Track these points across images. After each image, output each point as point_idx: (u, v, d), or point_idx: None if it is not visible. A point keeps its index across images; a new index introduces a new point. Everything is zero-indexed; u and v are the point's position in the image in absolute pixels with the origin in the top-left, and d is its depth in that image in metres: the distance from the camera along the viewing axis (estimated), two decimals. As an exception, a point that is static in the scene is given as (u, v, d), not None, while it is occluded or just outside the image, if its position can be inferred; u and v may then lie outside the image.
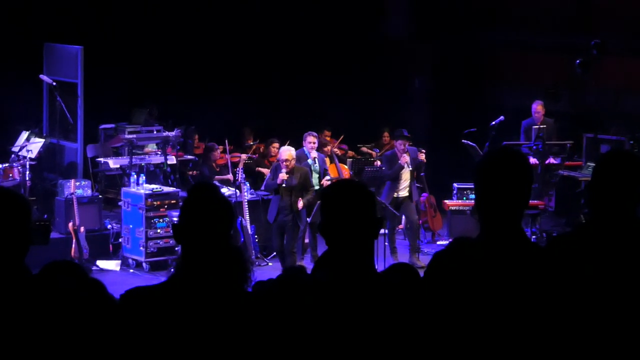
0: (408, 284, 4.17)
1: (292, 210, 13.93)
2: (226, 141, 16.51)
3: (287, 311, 3.95)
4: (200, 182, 4.38)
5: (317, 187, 14.85)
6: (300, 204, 13.91)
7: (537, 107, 16.54)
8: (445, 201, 16.76)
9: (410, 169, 14.99)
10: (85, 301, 4.05)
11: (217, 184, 16.32)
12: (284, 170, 13.70)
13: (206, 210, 4.01)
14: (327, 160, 15.88)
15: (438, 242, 16.56)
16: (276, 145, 17.33)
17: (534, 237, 15.36)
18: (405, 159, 14.85)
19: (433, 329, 4.00)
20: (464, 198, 16.61)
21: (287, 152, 13.83)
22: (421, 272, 4.35)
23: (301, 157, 14.88)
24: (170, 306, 3.90)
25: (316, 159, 14.93)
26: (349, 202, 4.05)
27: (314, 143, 14.99)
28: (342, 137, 18.17)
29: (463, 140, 16.34)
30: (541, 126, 16.38)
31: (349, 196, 4.08)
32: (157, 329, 3.89)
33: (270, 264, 15.23)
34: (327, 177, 14.95)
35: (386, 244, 14.62)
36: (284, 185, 13.81)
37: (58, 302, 3.91)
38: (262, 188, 14.68)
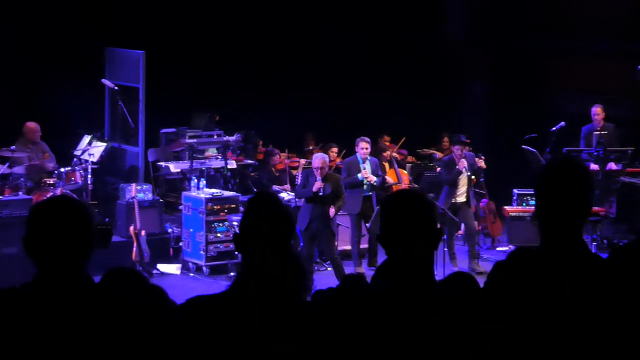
0: (468, 295, 4.15)
1: (325, 218, 13.92)
2: (286, 150, 16.55)
3: (346, 322, 3.93)
4: (261, 191, 4.37)
5: (369, 193, 14.79)
6: (332, 211, 13.91)
7: (597, 110, 16.42)
8: (505, 207, 16.67)
9: (468, 174, 14.95)
10: (145, 311, 4.08)
11: (277, 188, 16.41)
12: (318, 178, 13.65)
13: (266, 221, 4.00)
14: (387, 165, 15.87)
15: (498, 249, 16.52)
16: (335, 150, 17.36)
17: (594, 243, 15.28)
18: (463, 163, 14.81)
19: (493, 342, 3.99)
20: (524, 204, 16.52)
21: (321, 159, 13.79)
22: (480, 278, 4.35)
23: (352, 164, 14.87)
24: (231, 316, 3.90)
25: (368, 163, 14.85)
26: (409, 213, 4.04)
27: (367, 149, 14.83)
28: (402, 140, 18.10)
29: (523, 146, 16.28)
30: (602, 132, 16.27)
31: (409, 206, 4.07)
32: (217, 338, 3.89)
33: (329, 269, 15.21)
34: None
35: (445, 249, 14.52)
36: (320, 193, 13.76)
37: (118, 312, 3.93)
38: (294, 196, 14.51)
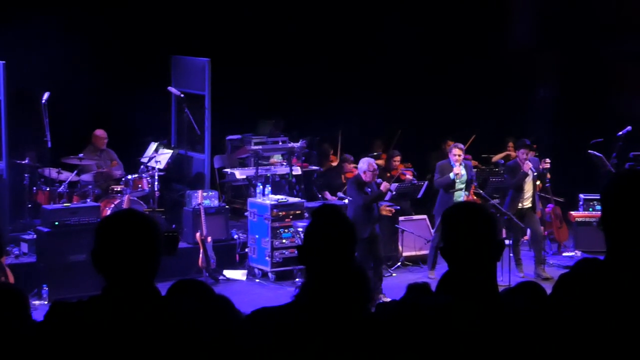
0: (533, 308, 4.16)
1: (378, 219, 13.99)
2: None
3: (410, 335, 3.91)
4: (325, 204, 4.36)
5: (460, 199, 14.77)
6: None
7: None
8: (571, 212, 16.63)
9: (534, 176, 14.93)
10: (211, 324, 4.13)
11: (341, 195, 16.42)
12: (383, 182, 13.63)
13: (330, 235, 4.02)
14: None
15: (564, 254, 16.43)
16: (398, 159, 17.31)
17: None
18: (528, 165, 14.80)
19: (559, 355, 3.98)
20: (590, 209, 16.45)
21: (370, 161, 13.72)
22: (547, 284, 4.32)
23: (445, 167, 14.94)
24: (295, 328, 3.91)
25: (462, 172, 14.89)
26: (471, 226, 4.06)
27: (459, 155, 14.89)
28: (472, 138, 18.00)
29: (589, 151, 16.19)
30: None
31: (471, 219, 4.08)
32: (281, 350, 3.90)
33: (394, 274, 15.24)
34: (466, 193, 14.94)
35: (511, 255, 14.49)
36: (393, 193, 13.93)
37: (183, 327, 3.96)
38: (362, 203, 14.10)
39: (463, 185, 14.90)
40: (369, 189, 13.30)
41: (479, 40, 19.10)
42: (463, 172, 14.84)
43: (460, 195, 14.81)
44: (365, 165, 13.45)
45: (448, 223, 4.15)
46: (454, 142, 17.22)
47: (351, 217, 13.01)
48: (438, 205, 15.13)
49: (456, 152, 14.87)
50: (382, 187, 13.41)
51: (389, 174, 16.81)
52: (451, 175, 14.76)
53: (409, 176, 16.72)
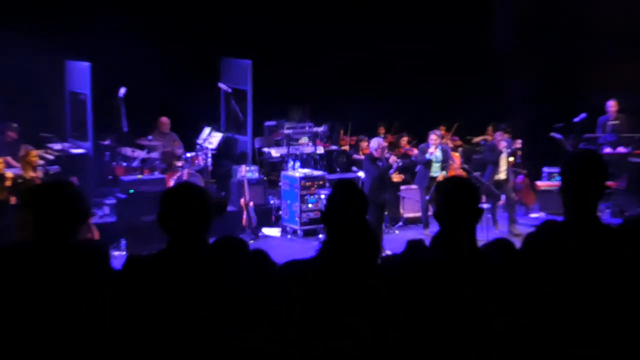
0: (507, 259, 4.18)
1: (389, 186, 14.06)
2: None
3: (410, 282, 3.94)
4: (342, 179, 4.37)
5: (436, 174, 14.92)
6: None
7: (612, 104, 16.27)
8: (537, 182, 16.60)
9: (508, 153, 14.98)
10: (247, 272, 4.16)
11: (355, 169, 16.42)
12: (391, 156, 13.59)
13: (347, 203, 4.03)
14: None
15: (531, 215, 16.39)
16: (405, 139, 17.30)
17: (608, 210, 15.16)
18: (503, 145, 14.87)
19: (528, 298, 4.00)
20: (552, 180, 16.45)
21: (379, 141, 13.62)
22: (517, 240, 4.34)
23: (424, 149, 15.04)
24: (318, 276, 3.92)
25: (437, 153, 14.99)
26: (458, 195, 4.07)
27: (435, 140, 15.04)
28: (455, 126, 17.96)
29: (552, 134, 16.14)
30: (615, 122, 16.09)
31: (458, 190, 4.09)
32: (308, 293, 3.90)
33: (397, 232, 15.26)
34: (443, 173, 14.97)
35: (489, 216, 14.50)
36: (400, 165, 14.05)
37: (226, 274, 4.00)
38: (376, 174, 13.90)
39: (439, 164, 15.02)
40: (380, 163, 13.29)
41: (466, 42, 18.96)
42: (438, 153, 14.99)
43: (436, 171, 15.00)
44: (376, 144, 13.45)
45: (440, 193, 4.16)
46: (445, 127, 17.26)
47: (368, 185, 13.12)
48: (417, 178, 15.34)
49: (432, 137, 15.05)
50: (390, 160, 13.39)
51: (397, 151, 16.83)
52: (427, 155, 14.89)
53: (415, 152, 16.68)
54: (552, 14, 19.33)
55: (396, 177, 15.13)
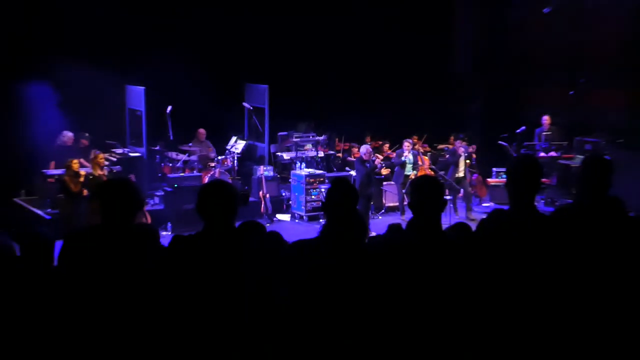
0: (465, 240, 4.17)
1: (374, 183, 14.08)
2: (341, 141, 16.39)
3: (391, 258, 3.91)
4: (339, 177, 4.36)
5: (409, 173, 14.93)
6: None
7: (545, 118, 16.23)
8: (488, 179, 16.57)
9: (465, 156, 15.00)
10: (264, 248, 4.15)
11: (348, 169, 16.39)
12: (376, 159, 13.62)
13: (342, 196, 4.03)
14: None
15: (483, 205, 16.34)
16: (386, 145, 17.24)
17: (542, 201, 15.15)
18: (462, 150, 14.89)
19: (482, 270, 3.98)
20: (499, 177, 16.39)
21: (367, 147, 13.60)
22: (473, 224, 4.33)
23: (400, 153, 15.02)
24: (320, 252, 3.92)
25: (409, 156, 15.00)
26: (427, 190, 4.04)
27: (408, 146, 15.03)
28: (425, 137, 17.91)
29: (499, 142, 16.12)
30: (547, 133, 16.09)
31: (427, 186, 4.07)
32: (312, 265, 3.90)
33: (380, 217, 15.24)
34: (415, 172, 14.95)
35: (451, 205, 14.51)
36: (383, 166, 14.14)
37: (249, 249, 4.00)
38: (364, 172, 13.74)
39: (411, 165, 15.01)
40: (368, 164, 13.33)
41: (433, 69, 18.87)
42: (410, 157, 14.99)
43: (409, 171, 14.99)
44: (365, 149, 13.48)
45: (414, 188, 4.12)
46: (417, 137, 17.21)
47: (358, 181, 13.14)
48: (395, 176, 15.31)
49: (406, 144, 15.09)
50: (375, 162, 13.48)
51: (380, 154, 16.81)
52: (402, 157, 14.87)
53: (394, 155, 16.67)
54: (500, 46, 19.33)
55: (384, 171, 15.25)
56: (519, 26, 19.07)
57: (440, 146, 18.48)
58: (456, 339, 3.82)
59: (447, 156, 15.83)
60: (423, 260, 3.90)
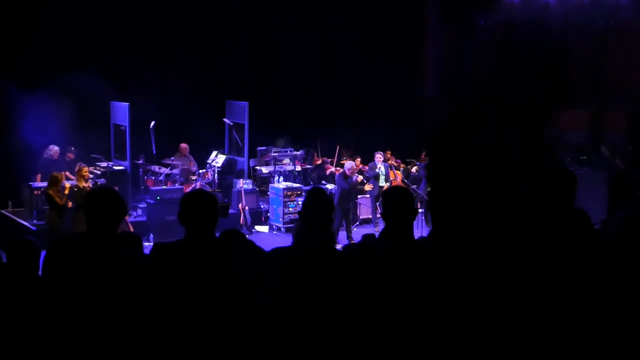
0: (436, 245, 4.16)
1: (352, 196, 14.19)
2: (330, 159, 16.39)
3: (365, 264, 3.92)
4: (315, 188, 4.36)
5: (383, 185, 15.00)
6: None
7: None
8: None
9: None
10: (244, 254, 4.14)
11: (325, 182, 16.40)
12: (358, 175, 13.78)
13: (317, 206, 4.04)
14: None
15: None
16: (358, 159, 17.26)
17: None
18: None
19: (453, 276, 3.99)
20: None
21: (352, 164, 13.94)
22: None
23: (373, 166, 15.10)
24: (295, 258, 3.94)
25: (382, 168, 15.10)
26: (400, 201, 4.06)
27: (379, 158, 15.12)
28: (389, 152, 17.95)
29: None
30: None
31: (399, 197, 4.08)
32: (287, 270, 3.89)
33: (355, 229, 15.22)
34: (387, 184, 15.04)
35: (423, 218, 14.53)
36: (366, 183, 14.23)
37: (230, 256, 3.98)
38: (347, 187, 14.06)
39: (384, 176, 15.13)
40: (350, 180, 13.45)
41: (406, 93, 18.98)
42: (382, 169, 15.07)
43: (382, 182, 15.04)
44: (349, 165, 13.74)
45: (386, 199, 4.14)
46: (390, 151, 17.27)
47: (337, 195, 13.24)
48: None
49: (377, 157, 15.24)
50: (357, 179, 13.76)
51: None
52: (376, 170, 15.01)
53: (366, 168, 16.69)
54: (465, 73, 19.46)
55: (368, 187, 15.31)
56: (487, 50, 19.27)
57: (413, 163, 18.55)
58: (426, 339, 3.83)
59: (419, 171, 15.89)
60: (394, 266, 3.90)
